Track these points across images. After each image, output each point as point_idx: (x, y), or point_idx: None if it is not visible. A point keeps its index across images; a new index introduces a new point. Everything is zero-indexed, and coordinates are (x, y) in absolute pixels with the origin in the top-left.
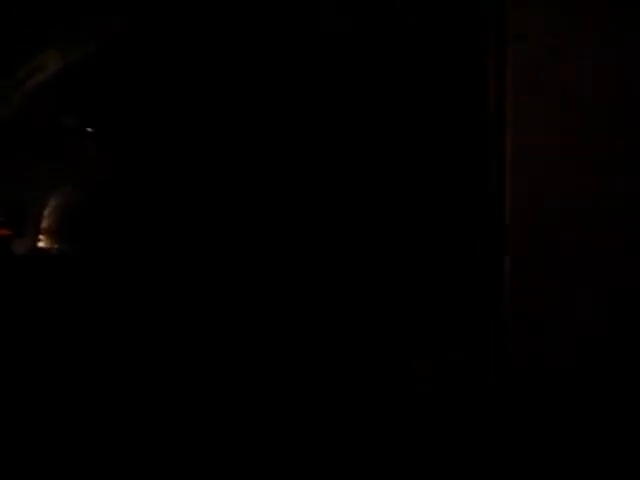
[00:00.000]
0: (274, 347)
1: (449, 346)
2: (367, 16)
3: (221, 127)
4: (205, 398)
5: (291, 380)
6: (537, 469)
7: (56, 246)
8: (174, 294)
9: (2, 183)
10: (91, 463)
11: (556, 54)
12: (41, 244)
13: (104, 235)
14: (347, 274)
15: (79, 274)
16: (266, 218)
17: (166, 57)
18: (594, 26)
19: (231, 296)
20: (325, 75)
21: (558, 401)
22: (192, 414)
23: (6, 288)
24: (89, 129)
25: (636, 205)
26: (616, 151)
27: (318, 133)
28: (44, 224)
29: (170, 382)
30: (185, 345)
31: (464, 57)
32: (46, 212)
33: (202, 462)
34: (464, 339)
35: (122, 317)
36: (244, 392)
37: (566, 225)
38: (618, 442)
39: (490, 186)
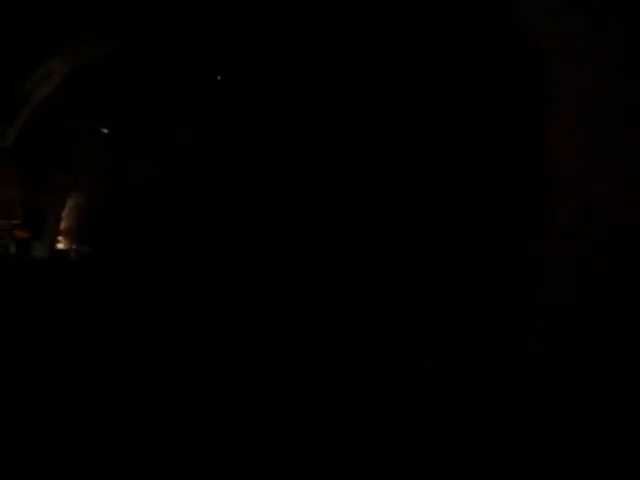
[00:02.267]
0: (274, 346)
1: (449, 346)
2: (367, 16)
3: (224, 129)
4: (206, 397)
5: (291, 379)
6: (536, 469)
7: (74, 247)
8: (190, 295)
9: (20, 187)
10: (89, 463)
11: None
12: (59, 245)
13: (122, 236)
14: (347, 274)
15: (97, 275)
16: (266, 219)
17: (174, 58)
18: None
19: (232, 295)
20: (326, 75)
21: (558, 402)
22: (194, 413)
23: (25, 289)
24: (105, 130)
25: None
26: None
27: (320, 133)
28: (62, 225)
29: (186, 380)
30: (195, 345)
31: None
32: (64, 213)
33: (202, 461)
34: (464, 339)
35: (137, 317)
36: (245, 391)
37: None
38: (617, 442)
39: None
